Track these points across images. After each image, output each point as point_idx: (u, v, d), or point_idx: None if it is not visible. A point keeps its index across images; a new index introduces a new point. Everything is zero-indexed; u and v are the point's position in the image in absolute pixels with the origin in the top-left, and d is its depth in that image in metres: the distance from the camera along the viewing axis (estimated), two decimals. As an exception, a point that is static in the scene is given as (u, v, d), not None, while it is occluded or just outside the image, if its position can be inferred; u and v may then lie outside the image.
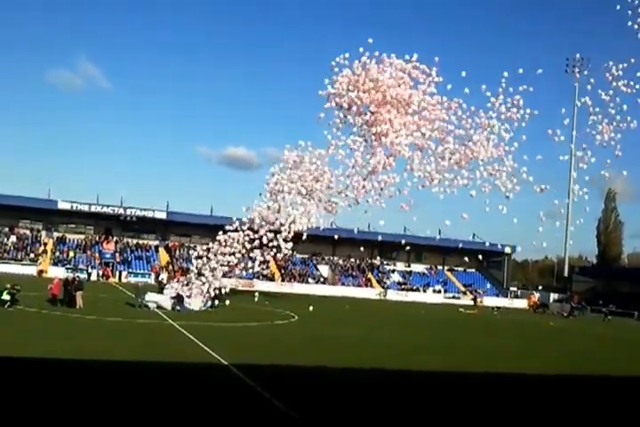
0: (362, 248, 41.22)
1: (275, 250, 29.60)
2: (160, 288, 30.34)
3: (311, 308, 32.31)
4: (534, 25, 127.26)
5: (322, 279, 61.01)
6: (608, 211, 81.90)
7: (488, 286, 68.02)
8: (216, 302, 28.94)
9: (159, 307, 26.92)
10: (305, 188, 29.35)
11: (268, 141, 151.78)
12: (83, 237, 59.23)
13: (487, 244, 53.39)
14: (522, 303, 61.70)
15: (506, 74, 25.47)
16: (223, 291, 29.06)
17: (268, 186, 30.76)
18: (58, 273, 42.91)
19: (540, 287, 67.38)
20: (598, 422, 11.64)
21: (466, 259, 42.89)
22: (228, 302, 28.92)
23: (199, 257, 29.95)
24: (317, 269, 62.58)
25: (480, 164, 26.29)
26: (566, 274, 70.23)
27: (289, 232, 29.46)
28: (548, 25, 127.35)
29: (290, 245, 29.37)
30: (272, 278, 58.18)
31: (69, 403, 9.81)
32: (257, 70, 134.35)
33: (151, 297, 27.66)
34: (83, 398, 10.12)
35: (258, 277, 57.37)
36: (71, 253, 55.07)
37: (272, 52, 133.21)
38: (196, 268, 29.62)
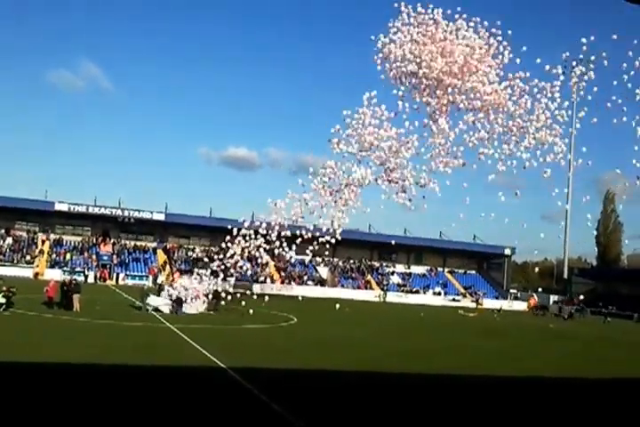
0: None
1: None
2: (158, 290, 30.06)
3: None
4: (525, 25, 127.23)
5: (321, 281, 60.73)
6: (607, 212, 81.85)
7: (488, 287, 67.86)
8: (222, 302, 28.68)
9: (157, 310, 26.65)
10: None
11: (269, 142, 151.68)
12: (80, 238, 58.95)
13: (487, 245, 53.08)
14: (522, 305, 61.42)
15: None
16: (265, 296, 28.08)
17: (330, 143, 26.28)
18: (54, 275, 42.57)
19: (540, 289, 67.25)
20: (598, 424, 11.57)
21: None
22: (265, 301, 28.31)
23: (211, 258, 29.45)
24: (317, 271, 62.29)
25: (532, 131, 24.01)
26: (566, 276, 70.07)
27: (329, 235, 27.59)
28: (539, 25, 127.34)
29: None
30: (271, 280, 57.89)
31: (65, 406, 9.69)
32: (258, 70, 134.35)
33: (151, 300, 27.38)
34: (78, 402, 9.97)
35: (256, 280, 57.11)
36: (68, 256, 54.74)
37: (273, 52, 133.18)
38: (206, 270, 28.93)
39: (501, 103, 23.85)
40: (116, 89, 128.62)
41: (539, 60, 23.90)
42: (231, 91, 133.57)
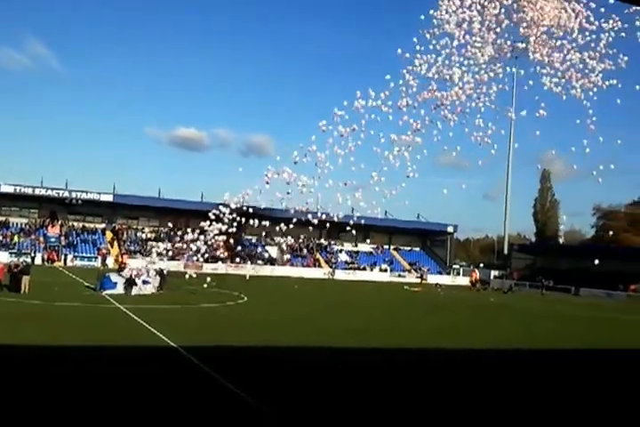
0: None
1: None
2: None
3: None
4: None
5: (271, 260, 61.74)
6: (544, 190, 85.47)
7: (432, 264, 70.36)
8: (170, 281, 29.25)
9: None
10: None
11: (218, 122, 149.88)
12: (27, 220, 58.10)
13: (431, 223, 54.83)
14: (464, 280, 64.09)
15: None
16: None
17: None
18: (1, 258, 42.27)
19: (482, 265, 70.19)
20: (536, 394, 12.30)
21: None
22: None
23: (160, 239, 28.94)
24: (266, 251, 63.23)
25: None
26: (506, 251, 73.14)
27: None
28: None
29: None
30: (220, 260, 58.47)
31: (13, 391, 9.83)
32: (207, 49, 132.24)
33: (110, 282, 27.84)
34: (24, 387, 10.13)
35: (206, 260, 57.48)
36: (15, 238, 54.00)
37: (220, 31, 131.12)
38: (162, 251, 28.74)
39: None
40: (63, 68, 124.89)
41: None
42: (178, 70, 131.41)
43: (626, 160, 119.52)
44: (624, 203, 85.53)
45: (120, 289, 27.52)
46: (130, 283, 27.92)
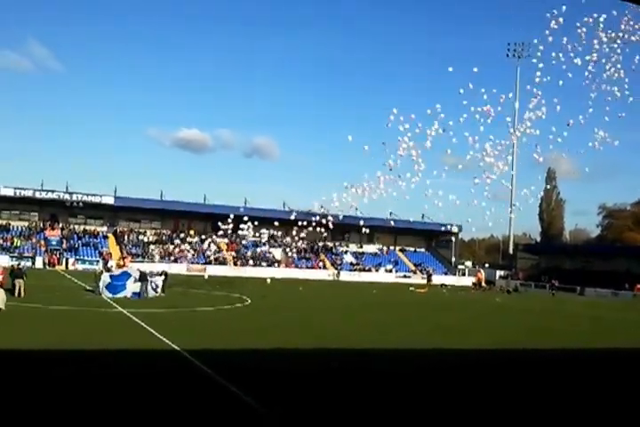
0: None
1: None
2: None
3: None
4: (475, 10, 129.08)
5: (275, 262, 61.20)
6: (549, 190, 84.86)
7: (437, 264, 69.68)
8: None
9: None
10: None
11: (221, 123, 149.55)
12: (27, 223, 57.61)
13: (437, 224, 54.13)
14: (469, 281, 63.44)
15: None
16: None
17: None
18: (2, 261, 41.67)
19: (487, 265, 69.60)
20: (546, 393, 12.06)
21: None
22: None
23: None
24: (270, 252, 62.68)
25: None
26: (511, 251, 72.58)
27: None
28: (488, 10, 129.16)
29: None
30: (224, 262, 58.14)
31: (15, 394, 9.65)
32: (209, 49, 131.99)
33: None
34: (28, 389, 9.96)
35: (210, 262, 57.22)
36: (16, 241, 53.51)
37: (227, 31, 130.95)
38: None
39: None
40: (62, 68, 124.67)
41: None
42: (180, 70, 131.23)
43: (631, 160, 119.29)
44: (630, 202, 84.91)
45: (132, 289, 26.77)
46: (143, 279, 27.13)
